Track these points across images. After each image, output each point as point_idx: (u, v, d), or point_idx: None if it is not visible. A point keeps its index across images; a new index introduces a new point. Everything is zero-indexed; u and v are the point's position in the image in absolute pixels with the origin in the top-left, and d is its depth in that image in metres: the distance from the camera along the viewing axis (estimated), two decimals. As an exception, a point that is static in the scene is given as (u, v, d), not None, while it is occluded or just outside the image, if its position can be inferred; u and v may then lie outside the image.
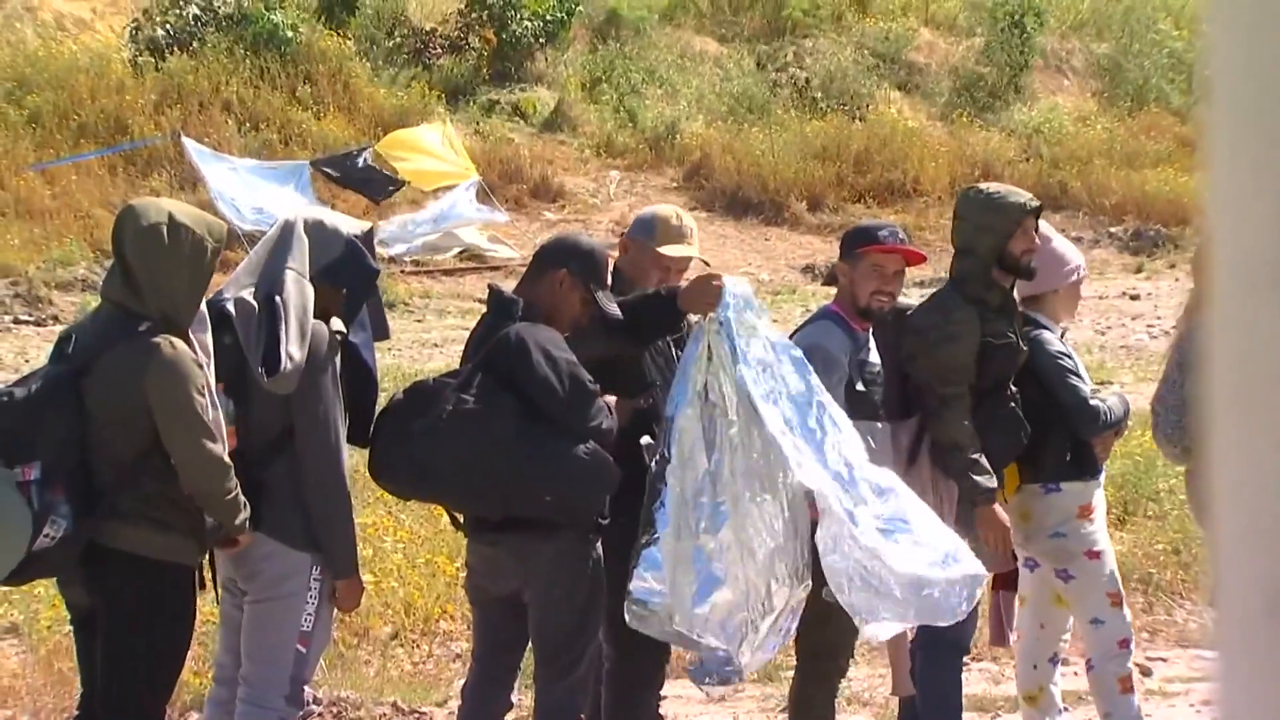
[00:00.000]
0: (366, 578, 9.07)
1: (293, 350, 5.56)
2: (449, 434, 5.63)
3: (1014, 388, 6.78)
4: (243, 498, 5.56)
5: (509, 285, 6.19)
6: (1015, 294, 6.91)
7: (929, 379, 6.65)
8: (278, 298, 5.63)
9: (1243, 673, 1.28)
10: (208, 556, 5.81)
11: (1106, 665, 7.09)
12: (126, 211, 5.62)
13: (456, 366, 6.09)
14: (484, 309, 6.17)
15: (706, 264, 6.60)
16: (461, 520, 6.03)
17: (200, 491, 5.47)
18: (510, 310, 5.88)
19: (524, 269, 6.36)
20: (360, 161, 25.36)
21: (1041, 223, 7.03)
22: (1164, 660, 9.29)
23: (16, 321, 21.87)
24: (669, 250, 6.34)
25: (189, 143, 25.04)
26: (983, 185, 7.16)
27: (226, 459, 5.49)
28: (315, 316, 5.70)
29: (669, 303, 5.98)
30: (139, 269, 5.48)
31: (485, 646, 6.13)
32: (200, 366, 5.47)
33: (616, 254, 6.51)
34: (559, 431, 5.67)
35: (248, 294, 5.67)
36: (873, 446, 6.40)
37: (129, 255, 5.49)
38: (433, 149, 26.02)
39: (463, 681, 6.40)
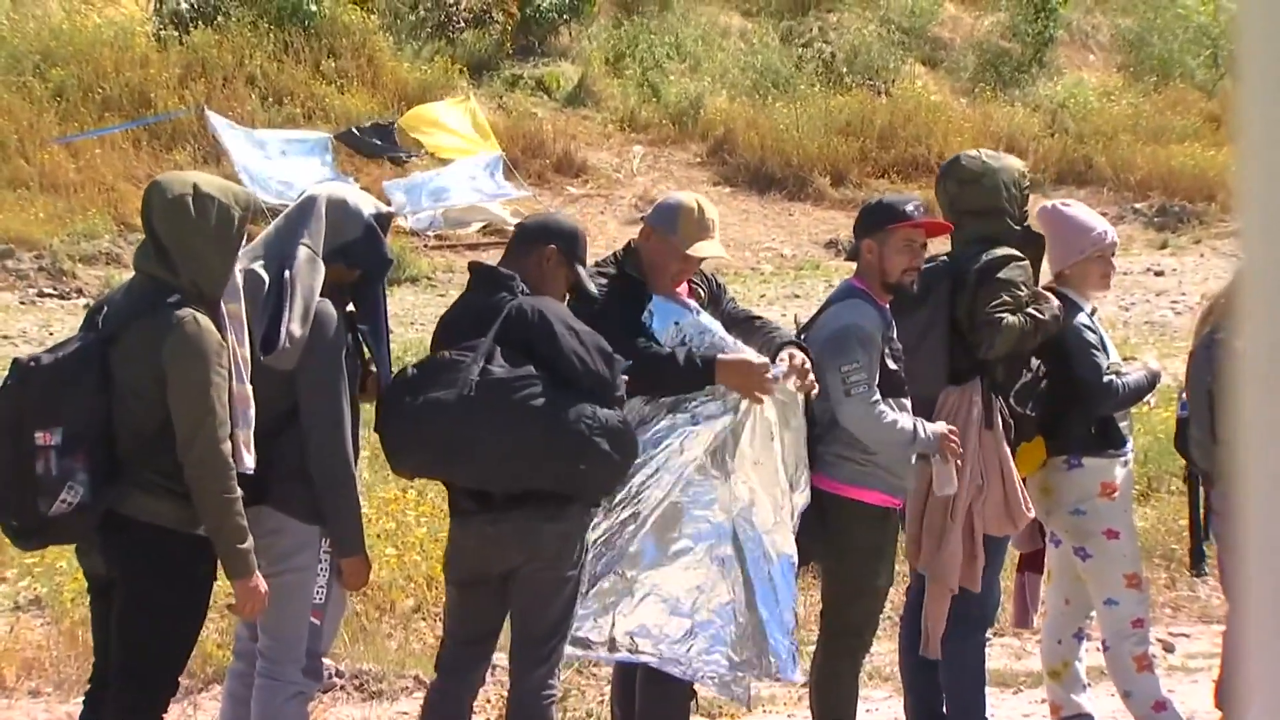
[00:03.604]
0: (389, 551, 9.10)
1: (294, 328, 5.56)
2: (482, 405, 5.61)
3: (1035, 359, 6.80)
4: (242, 518, 5.44)
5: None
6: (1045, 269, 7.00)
7: (986, 304, 6.61)
8: (287, 272, 5.63)
9: (1270, 645, 1.27)
10: None
11: (1121, 644, 7.08)
12: (153, 186, 5.62)
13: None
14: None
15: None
16: (458, 499, 6.00)
17: (194, 478, 5.39)
18: (509, 285, 5.90)
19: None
20: (383, 135, 25.37)
21: (1053, 202, 7.25)
22: (1186, 636, 9.28)
23: (41, 294, 21.91)
24: (694, 251, 6.30)
25: (212, 116, 25.04)
26: (974, 151, 7.17)
27: (229, 458, 5.40)
28: (325, 294, 5.70)
29: (704, 374, 6.00)
30: (168, 241, 5.48)
31: (468, 629, 6.04)
32: (222, 344, 5.46)
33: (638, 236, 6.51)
34: (590, 401, 5.68)
35: (258, 266, 5.68)
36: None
37: (157, 228, 5.50)
38: (454, 127, 26.02)
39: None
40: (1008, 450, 6.64)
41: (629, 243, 6.46)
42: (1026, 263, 6.72)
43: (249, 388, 5.53)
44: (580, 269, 6.06)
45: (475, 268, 6.19)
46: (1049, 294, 6.78)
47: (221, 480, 5.38)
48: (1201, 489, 7.13)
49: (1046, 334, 6.67)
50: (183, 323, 5.39)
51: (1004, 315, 6.54)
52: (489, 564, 5.89)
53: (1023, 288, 6.63)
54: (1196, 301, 6.63)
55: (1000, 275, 6.62)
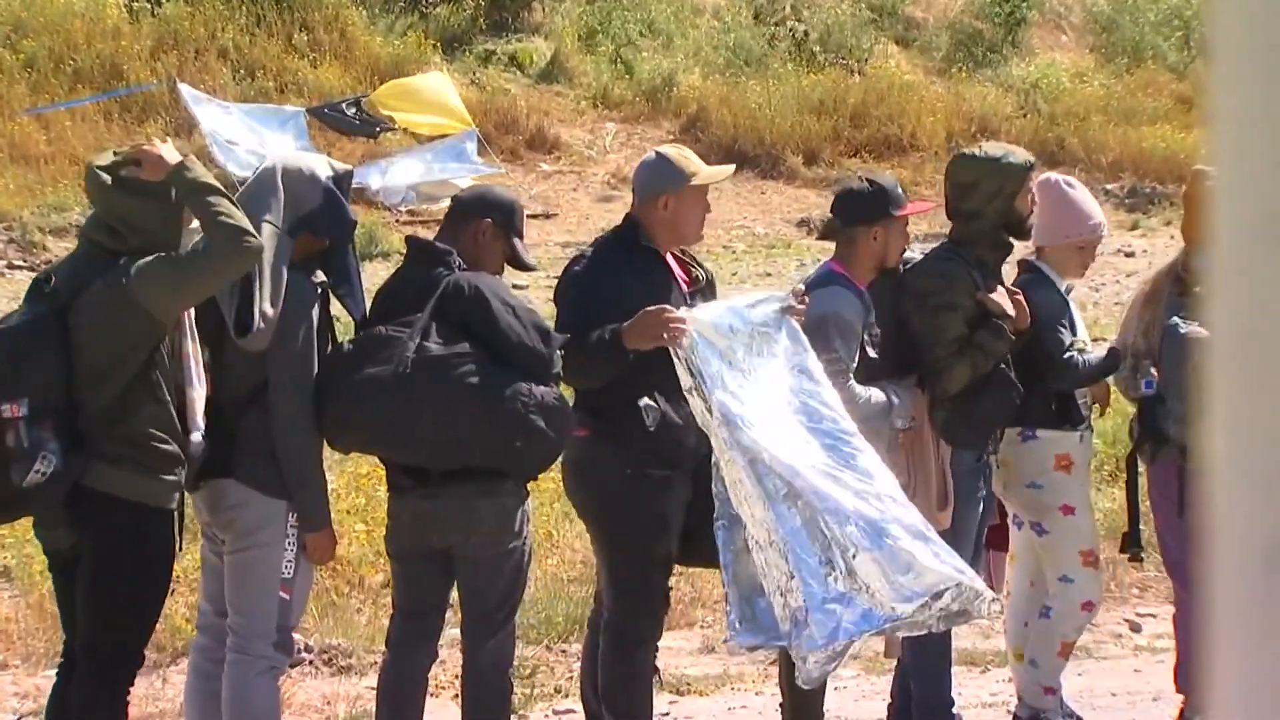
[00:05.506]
0: (359, 526, 9.09)
1: (266, 308, 5.57)
2: (418, 383, 5.63)
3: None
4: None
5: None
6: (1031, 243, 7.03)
7: (928, 341, 6.63)
8: None
9: (1241, 630, 1.28)
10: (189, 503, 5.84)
11: (1063, 623, 7.08)
12: (90, 162, 5.71)
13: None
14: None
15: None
16: (394, 475, 6.01)
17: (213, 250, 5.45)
18: (447, 260, 5.91)
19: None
20: (353, 110, 25.23)
21: (1059, 175, 7.22)
22: (1153, 616, 9.31)
23: (10, 267, 21.80)
24: (706, 179, 6.35)
25: (184, 88, 24.87)
26: (978, 148, 7.03)
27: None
28: (294, 266, 5.70)
29: (614, 344, 5.94)
30: (115, 212, 5.53)
31: (413, 603, 6.10)
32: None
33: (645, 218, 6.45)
34: (525, 378, 5.69)
35: None
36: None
37: (98, 198, 5.58)
38: (431, 98, 25.87)
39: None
40: (934, 445, 6.63)
41: (628, 215, 6.43)
42: (957, 276, 6.66)
43: (202, 350, 5.55)
44: (517, 242, 6.06)
45: (412, 242, 6.22)
46: (1000, 305, 6.69)
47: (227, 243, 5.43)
48: (1140, 471, 7.18)
49: (999, 355, 6.63)
50: (133, 260, 5.43)
51: (951, 362, 6.56)
52: (428, 538, 5.92)
53: (958, 315, 6.59)
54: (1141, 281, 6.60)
55: (935, 303, 6.61)
